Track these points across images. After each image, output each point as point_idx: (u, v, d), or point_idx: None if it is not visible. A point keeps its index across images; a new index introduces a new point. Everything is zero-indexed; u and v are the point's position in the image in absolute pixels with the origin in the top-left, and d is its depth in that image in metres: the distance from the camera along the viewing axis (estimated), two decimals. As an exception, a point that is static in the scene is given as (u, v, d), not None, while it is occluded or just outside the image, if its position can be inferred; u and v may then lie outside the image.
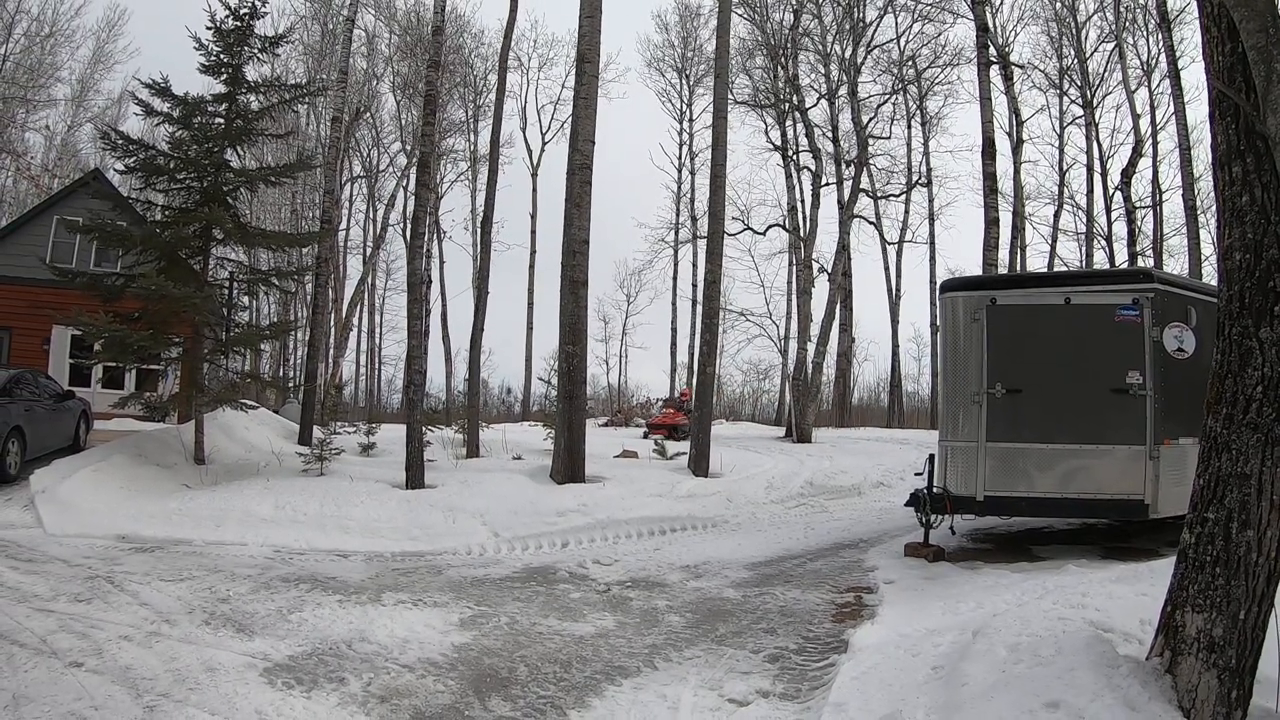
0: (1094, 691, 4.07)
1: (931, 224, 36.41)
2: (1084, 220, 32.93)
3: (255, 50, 14.64)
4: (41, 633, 6.13)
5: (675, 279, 40.82)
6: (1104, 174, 32.40)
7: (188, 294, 13.03)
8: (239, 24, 14.17)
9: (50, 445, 13.62)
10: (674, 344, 41.27)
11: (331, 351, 32.09)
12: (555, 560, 9.88)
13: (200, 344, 14.03)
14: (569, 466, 13.82)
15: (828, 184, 28.76)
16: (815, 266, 27.43)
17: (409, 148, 35.56)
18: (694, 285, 37.14)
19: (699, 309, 27.80)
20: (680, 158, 41.33)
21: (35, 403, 13.36)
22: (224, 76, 14.24)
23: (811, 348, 25.54)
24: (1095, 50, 31.57)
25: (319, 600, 7.57)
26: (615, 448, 18.24)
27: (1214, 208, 4.24)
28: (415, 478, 13.16)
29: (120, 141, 14.13)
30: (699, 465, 15.54)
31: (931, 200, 36.28)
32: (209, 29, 14.04)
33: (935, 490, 9.34)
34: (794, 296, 30.95)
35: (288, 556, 9.66)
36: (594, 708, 5.44)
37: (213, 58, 14.12)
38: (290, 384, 22.66)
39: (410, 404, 14.43)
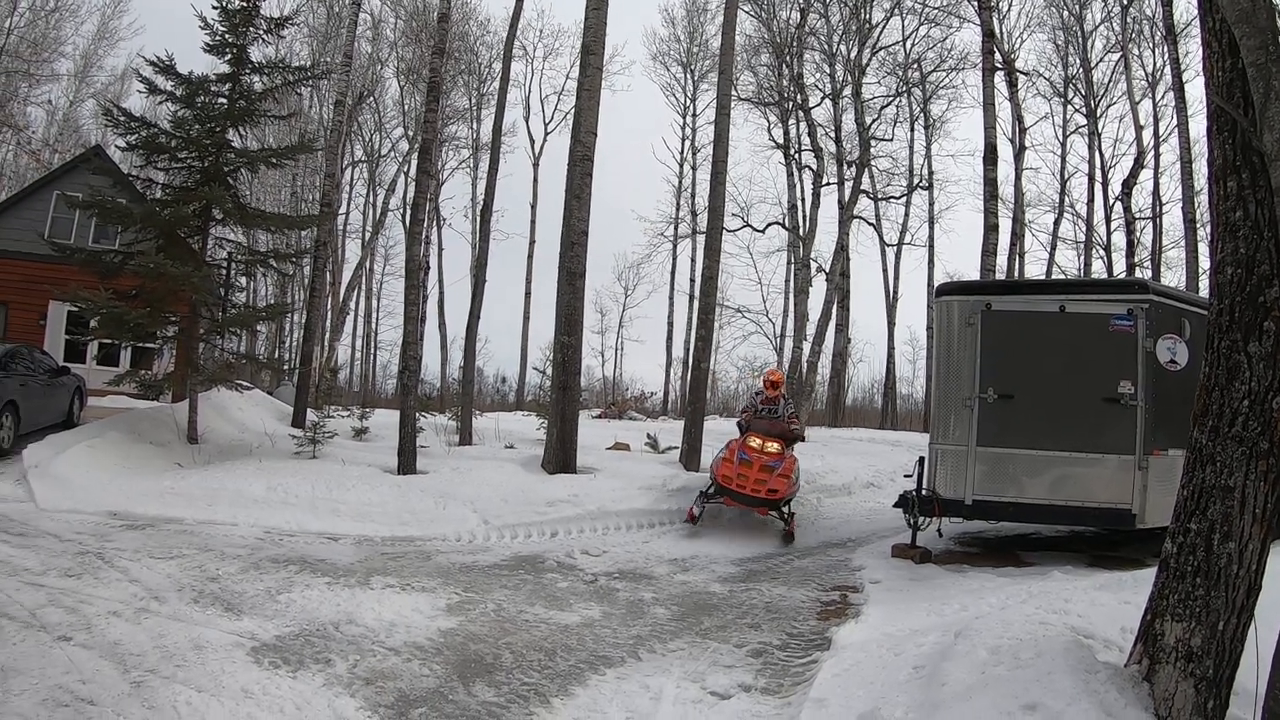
0: (1071, 696, 4.11)
1: (931, 227, 36.37)
2: (1083, 229, 32.88)
3: (260, 31, 14.61)
4: (31, 606, 6.14)
5: (674, 273, 40.88)
6: (1105, 184, 32.36)
7: (186, 273, 13.03)
8: (245, 4, 14.15)
9: (44, 421, 13.60)
10: (670, 338, 41.36)
11: (327, 335, 32.12)
12: (544, 549, 9.91)
13: (197, 323, 14.05)
14: (561, 457, 13.83)
15: (829, 184, 28.84)
16: (813, 266, 27.51)
17: (411, 133, 35.55)
18: (692, 280, 37.05)
19: (696, 304, 27.80)
20: (682, 152, 41.26)
21: (30, 378, 13.34)
22: (228, 57, 14.21)
23: (807, 347, 25.56)
24: (1101, 60, 31.47)
25: (308, 582, 7.60)
26: (608, 439, 18.24)
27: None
28: (407, 463, 13.17)
29: (123, 118, 14.13)
30: (690, 460, 15.54)
31: (932, 204, 36.21)
32: (215, 8, 14.02)
33: (924, 492, 9.39)
34: (791, 295, 31.00)
35: (278, 538, 9.69)
36: (577, 696, 5.48)
37: (218, 37, 14.10)
38: (285, 366, 22.75)
39: (404, 389, 14.42)
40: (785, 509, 11.16)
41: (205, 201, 13.77)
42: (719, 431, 19.40)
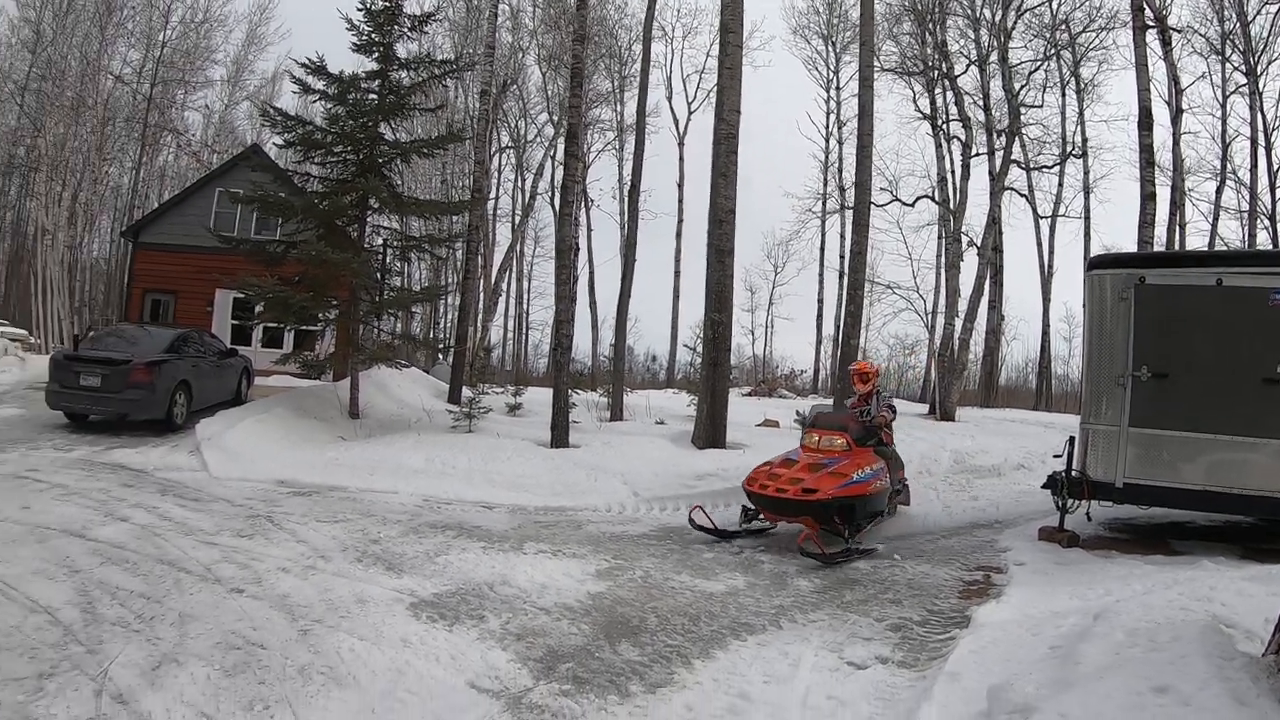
0: (1203, 680, 4.04)
1: (1086, 198, 34.43)
2: (1247, 197, 30.49)
3: (404, 29, 15.43)
4: (206, 562, 6.80)
5: (822, 250, 40.32)
6: (1269, 147, 29.69)
7: (345, 259, 13.81)
8: (388, 4, 14.87)
9: (214, 398, 14.80)
10: (820, 316, 40.88)
11: (480, 316, 33.04)
12: (692, 521, 10.14)
13: (356, 306, 14.83)
14: (710, 432, 14.03)
15: (978, 154, 27.75)
16: (964, 240, 26.71)
17: (556, 118, 36.12)
18: (841, 257, 36.40)
19: (844, 280, 27.36)
20: (827, 127, 40.61)
21: (201, 359, 14.56)
22: (375, 55, 15.03)
23: (959, 324, 24.81)
24: (1258, 13, 28.63)
25: (464, 546, 8.07)
26: (757, 416, 18.39)
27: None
28: (560, 437, 13.65)
29: (279, 118, 15.08)
30: (839, 438, 15.51)
31: (1086, 172, 34.21)
32: (359, 10, 14.84)
33: (1074, 474, 9.10)
34: (942, 270, 30.10)
35: (436, 505, 10.25)
36: (718, 659, 5.67)
37: (364, 37, 14.92)
38: (441, 345, 23.60)
39: (557, 365, 14.89)
40: (850, 527, 9.02)
41: (362, 192, 14.55)
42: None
